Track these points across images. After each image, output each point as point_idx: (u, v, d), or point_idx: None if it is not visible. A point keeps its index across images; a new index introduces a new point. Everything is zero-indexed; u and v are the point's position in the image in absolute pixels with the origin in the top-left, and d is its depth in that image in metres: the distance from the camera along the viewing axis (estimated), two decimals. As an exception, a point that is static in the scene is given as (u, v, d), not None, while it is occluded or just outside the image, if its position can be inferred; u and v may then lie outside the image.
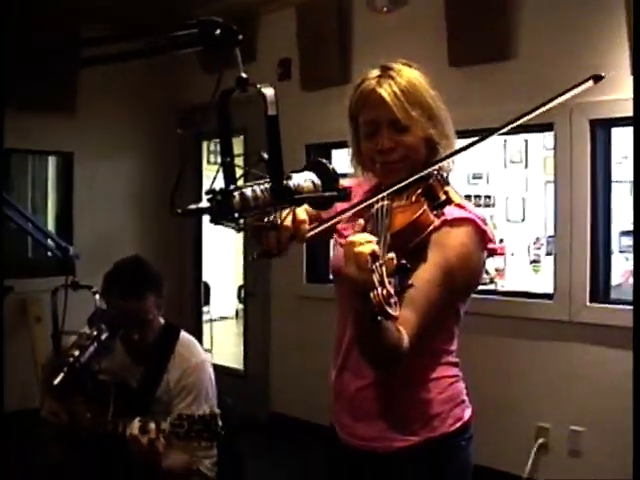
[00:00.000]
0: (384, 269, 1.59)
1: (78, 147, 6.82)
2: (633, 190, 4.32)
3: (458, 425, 2.16)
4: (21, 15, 5.90)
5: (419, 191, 1.99)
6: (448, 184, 2.06)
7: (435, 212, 1.98)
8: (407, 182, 1.93)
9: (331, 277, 2.40)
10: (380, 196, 1.95)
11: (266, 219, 1.75)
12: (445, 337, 2.18)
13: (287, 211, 1.82)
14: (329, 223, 2.01)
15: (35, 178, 7.21)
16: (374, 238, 1.72)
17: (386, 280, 1.57)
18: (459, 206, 2.07)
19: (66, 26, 6.24)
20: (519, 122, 1.91)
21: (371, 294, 1.57)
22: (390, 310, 1.55)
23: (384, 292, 1.56)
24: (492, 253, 2.12)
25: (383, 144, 2.10)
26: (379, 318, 1.58)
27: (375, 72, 2.14)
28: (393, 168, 2.11)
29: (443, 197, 2.00)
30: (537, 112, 1.92)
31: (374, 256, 1.63)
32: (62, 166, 7.02)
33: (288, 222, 1.87)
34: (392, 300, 1.56)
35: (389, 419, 2.14)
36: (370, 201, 1.96)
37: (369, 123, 2.13)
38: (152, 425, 2.75)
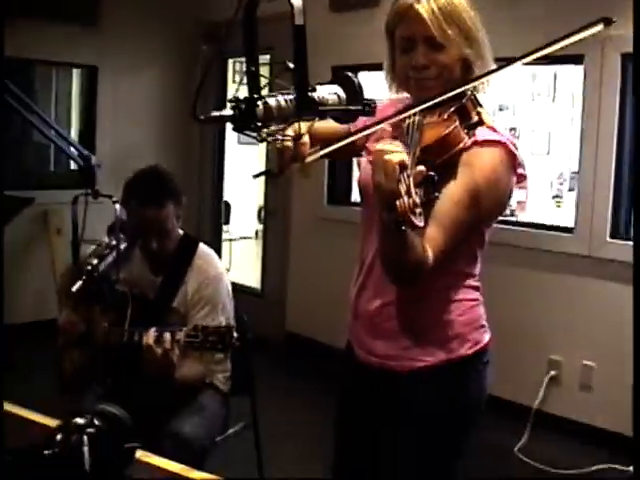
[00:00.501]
0: (411, 179, 1.58)
1: (102, 60, 6.79)
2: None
3: (477, 348, 2.17)
4: None
5: (452, 109, 1.97)
6: (481, 106, 2.03)
7: (467, 132, 1.96)
8: (440, 99, 1.90)
9: (356, 195, 2.40)
10: (412, 111, 1.91)
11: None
12: (469, 260, 2.17)
13: (290, 131, 1.76)
14: (332, 147, 1.97)
15: (59, 91, 7.19)
16: (403, 148, 1.71)
17: (413, 190, 1.56)
18: (491, 128, 2.05)
19: None
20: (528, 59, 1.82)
21: (397, 202, 1.55)
22: (415, 219, 1.54)
23: (410, 201, 1.54)
24: (521, 179, 2.11)
25: (418, 60, 2.07)
26: (403, 227, 1.58)
27: None
28: (427, 85, 2.08)
29: (475, 118, 1.98)
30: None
31: (402, 166, 1.61)
32: (86, 79, 7.00)
33: (289, 142, 1.87)
34: (417, 210, 1.54)
35: (408, 338, 2.15)
36: (399, 116, 1.92)
37: (405, 39, 2.10)
38: (167, 335, 2.78)
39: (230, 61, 7.48)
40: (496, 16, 4.76)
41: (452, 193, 1.92)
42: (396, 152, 1.66)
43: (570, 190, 7.05)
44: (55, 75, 7.15)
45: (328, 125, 1.97)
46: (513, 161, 2.06)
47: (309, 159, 1.95)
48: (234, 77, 7.62)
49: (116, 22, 6.70)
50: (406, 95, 2.24)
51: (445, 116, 1.96)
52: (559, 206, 7.54)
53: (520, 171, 2.10)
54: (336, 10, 5.90)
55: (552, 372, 4.74)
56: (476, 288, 2.22)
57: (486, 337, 2.22)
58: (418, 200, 1.55)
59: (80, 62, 6.85)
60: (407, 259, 1.81)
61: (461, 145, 1.95)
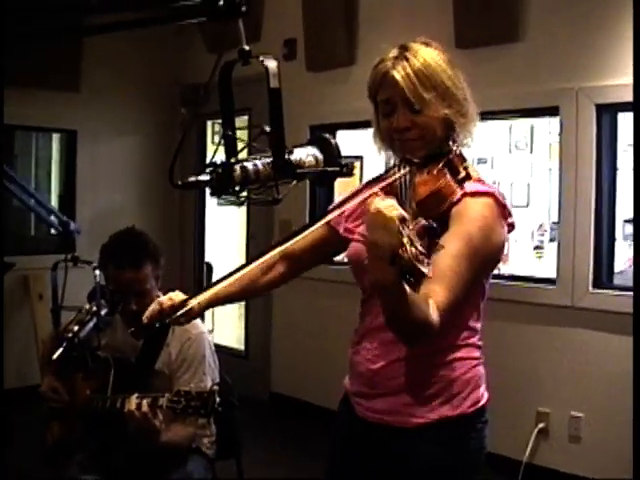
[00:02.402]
0: (412, 232, 1.57)
1: (82, 125, 6.81)
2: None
3: (477, 407, 2.18)
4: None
5: (439, 165, 1.99)
6: (466, 160, 2.06)
7: (457, 186, 1.99)
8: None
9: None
10: (401, 174, 1.95)
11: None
12: (472, 313, 2.17)
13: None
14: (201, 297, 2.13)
15: (39, 156, 7.21)
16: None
17: (415, 240, 1.55)
18: (478, 181, 2.09)
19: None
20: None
21: (400, 252, 1.53)
22: (423, 268, 1.53)
23: (415, 250, 1.53)
24: (510, 229, 2.13)
25: (399, 123, 2.10)
26: (411, 279, 1.56)
27: (393, 52, 2.14)
28: (411, 146, 2.11)
29: (463, 173, 2.01)
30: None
31: (402, 220, 1.59)
32: (66, 144, 7.01)
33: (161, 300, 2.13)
34: (424, 259, 1.53)
35: (410, 395, 2.14)
36: (362, 195, 1.92)
37: (385, 102, 2.14)
38: (148, 401, 2.75)
39: (209, 123, 7.52)
40: (475, 70, 4.88)
41: (448, 247, 1.89)
42: (393, 208, 1.64)
43: (551, 241, 7.06)
44: (35, 139, 7.18)
45: (304, 240, 2.14)
46: (503, 210, 2.08)
47: (180, 312, 2.15)
48: (213, 138, 7.65)
49: (95, 86, 6.73)
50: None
51: (434, 172, 1.98)
52: (540, 257, 7.56)
53: (510, 220, 2.12)
54: (313, 70, 5.95)
55: (540, 424, 4.70)
56: (478, 347, 2.23)
57: (485, 396, 2.23)
58: (422, 249, 1.54)
59: (60, 127, 6.88)
60: (412, 316, 1.78)
61: (454, 197, 1.96)
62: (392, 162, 2.26)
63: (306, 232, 1.96)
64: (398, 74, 2.07)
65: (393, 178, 1.96)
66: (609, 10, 4.34)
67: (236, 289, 2.30)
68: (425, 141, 2.10)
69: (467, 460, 2.20)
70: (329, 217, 2.04)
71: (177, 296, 2.22)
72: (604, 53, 4.34)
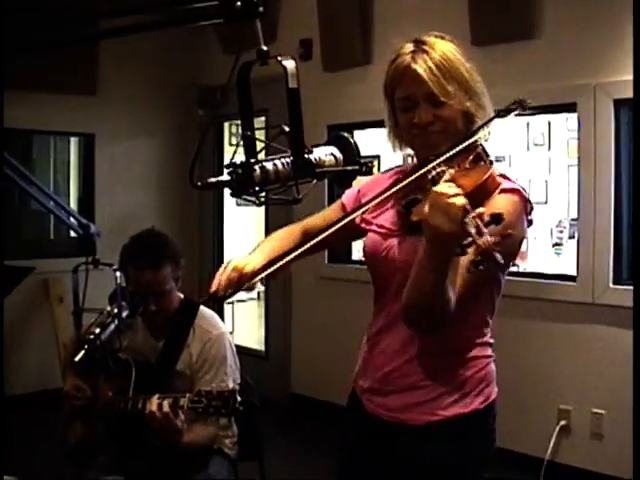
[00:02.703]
0: (479, 220, 1.57)
1: (99, 128, 6.84)
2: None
3: (488, 402, 2.18)
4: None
5: (470, 158, 1.96)
6: (489, 155, 2.03)
7: None
8: (458, 149, 1.91)
9: (355, 254, 2.40)
10: (435, 162, 1.90)
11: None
12: (487, 306, 2.18)
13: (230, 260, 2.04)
14: (276, 266, 2.02)
15: (57, 160, 7.25)
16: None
17: (484, 230, 1.55)
18: (503, 177, 2.07)
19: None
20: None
21: (479, 242, 1.54)
22: (498, 256, 1.53)
23: (490, 239, 1.53)
24: (529, 224, 2.13)
25: (421, 118, 2.08)
26: (480, 267, 1.55)
27: (409, 47, 2.12)
28: (433, 140, 2.09)
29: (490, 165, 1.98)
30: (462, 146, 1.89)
31: (465, 210, 1.60)
32: (84, 147, 7.04)
33: (235, 264, 2.08)
34: (497, 248, 1.53)
35: (424, 393, 2.14)
36: (397, 187, 1.90)
37: (406, 99, 2.12)
38: (171, 402, 2.76)
39: (226, 124, 7.54)
40: (492, 67, 4.87)
41: None
42: (458, 195, 1.65)
43: (570, 238, 7.04)
44: (53, 143, 7.22)
45: (322, 219, 2.22)
46: (527, 207, 2.09)
47: (256, 278, 2.05)
48: (230, 140, 7.67)
49: (112, 90, 6.76)
50: (396, 168, 2.32)
51: (467, 165, 1.93)
52: (559, 254, 7.53)
53: (530, 217, 2.12)
54: (329, 70, 5.95)
55: (562, 422, 4.69)
56: (490, 345, 2.24)
57: (495, 391, 2.23)
58: (493, 238, 1.54)
59: (78, 130, 6.91)
60: (441, 300, 1.82)
61: (499, 189, 1.91)
62: (410, 160, 2.25)
63: (338, 225, 1.94)
64: (420, 67, 2.05)
65: (425, 169, 1.91)
66: (625, 5, 4.32)
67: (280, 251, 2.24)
68: (448, 134, 2.08)
69: (478, 455, 2.21)
70: (359, 212, 2.02)
71: (247, 262, 2.15)
72: (621, 48, 4.32)
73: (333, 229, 1.92)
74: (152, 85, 7.10)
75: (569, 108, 4.78)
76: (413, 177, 1.89)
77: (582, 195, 4.66)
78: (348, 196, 2.42)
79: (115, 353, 2.90)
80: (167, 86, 7.19)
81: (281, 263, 1.98)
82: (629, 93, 4.28)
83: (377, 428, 2.24)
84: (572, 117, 4.90)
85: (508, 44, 4.82)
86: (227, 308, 8.33)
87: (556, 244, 7.66)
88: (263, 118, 6.38)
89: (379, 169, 6.13)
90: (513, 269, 6.70)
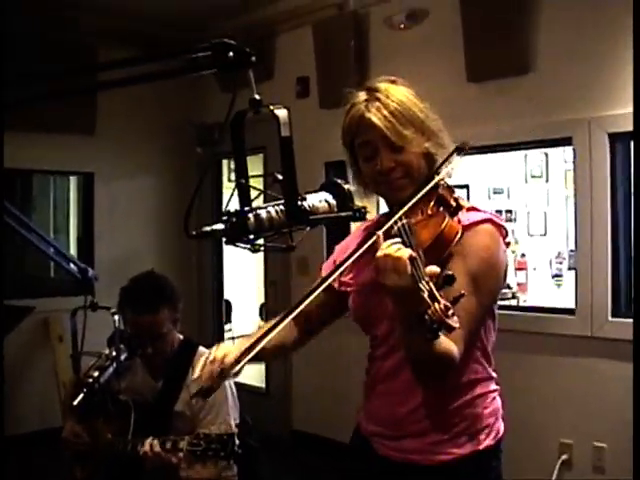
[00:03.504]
0: (432, 284, 1.58)
1: (98, 167, 6.88)
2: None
3: (498, 437, 2.20)
4: (41, 38, 5.99)
5: (432, 203, 1.99)
6: (454, 191, 2.06)
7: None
8: (419, 196, 1.93)
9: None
10: (397, 216, 1.91)
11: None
12: (488, 337, 2.19)
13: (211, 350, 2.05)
14: (256, 350, 1.94)
15: (57, 198, 7.28)
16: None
17: (437, 294, 1.56)
18: (471, 209, 2.10)
19: (84, 50, 6.31)
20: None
21: (429, 311, 1.55)
22: (451, 322, 1.55)
23: (441, 306, 1.55)
24: (506, 246, 2.13)
25: (383, 165, 2.10)
26: (440, 332, 1.58)
27: (362, 95, 2.14)
28: (398, 185, 2.12)
29: (454, 204, 2.00)
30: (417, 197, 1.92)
31: (412, 259, 1.62)
32: (83, 186, 7.07)
33: (215, 355, 2.05)
34: (450, 312, 1.55)
35: (437, 434, 2.14)
36: (363, 248, 1.85)
37: (365, 145, 2.14)
38: (170, 444, 2.76)
39: (224, 161, 7.57)
40: (487, 103, 4.92)
41: (457, 286, 1.91)
42: (400, 249, 1.67)
43: (570, 269, 7.05)
44: (53, 183, 7.26)
45: (316, 304, 2.13)
46: (501, 232, 2.10)
47: (238, 367, 1.99)
48: (229, 177, 7.70)
49: (110, 129, 6.80)
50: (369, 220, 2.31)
51: (429, 212, 1.97)
52: (559, 285, 7.55)
53: (507, 239, 2.14)
54: (326, 107, 5.98)
55: (564, 456, 4.67)
56: (494, 379, 2.25)
57: (502, 425, 2.25)
58: (446, 302, 1.55)
59: (77, 170, 6.95)
60: (438, 353, 1.81)
61: (457, 236, 1.94)
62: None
63: (308, 299, 1.93)
64: (375, 116, 2.07)
65: (388, 225, 1.90)
66: (618, 40, 4.36)
67: (269, 348, 2.17)
68: (411, 179, 2.10)
69: None
70: (328, 281, 1.95)
71: (228, 352, 2.10)
72: (615, 83, 4.35)
73: (302, 305, 1.90)
74: (150, 124, 7.14)
75: (565, 142, 4.81)
76: (364, 248, 1.84)
77: (579, 228, 4.68)
78: (325, 268, 2.41)
79: (114, 395, 2.91)
80: (165, 124, 7.23)
81: (261, 345, 1.91)
82: (624, 127, 4.31)
83: (387, 468, 2.23)
84: (569, 149, 4.93)
85: (503, 80, 4.86)
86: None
87: (556, 275, 7.68)
88: (261, 155, 6.43)
89: (377, 206, 6.15)
90: (512, 302, 6.72)
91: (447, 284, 1.59)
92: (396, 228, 1.90)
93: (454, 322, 1.55)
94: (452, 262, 1.96)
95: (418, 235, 1.88)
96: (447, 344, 1.83)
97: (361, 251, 1.83)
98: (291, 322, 2.36)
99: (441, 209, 1.97)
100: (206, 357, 2.10)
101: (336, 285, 2.31)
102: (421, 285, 1.58)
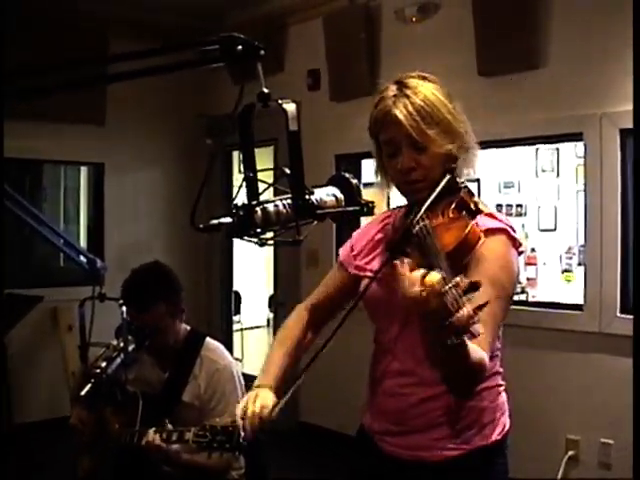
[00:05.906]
0: (455, 291, 1.52)
1: (109, 158, 6.91)
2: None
3: (504, 432, 2.21)
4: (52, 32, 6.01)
5: (453, 206, 1.96)
6: (474, 195, 2.04)
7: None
8: (433, 196, 1.91)
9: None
10: (418, 216, 1.85)
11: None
12: (496, 339, 2.15)
13: (247, 399, 2.17)
14: (289, 394, 2.11)
15: (68, 188, 7.30)
16: (424, 261, 1.65)
17: (460, 301, 1.51)
18: (489, 215, 2.08)
19: (95, 42, 6.32)
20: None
21: (453, 319, 1.51)
22: (474, 329, 1.52)
23: (465, 314, 1.51)
24: (519, 254, 2.14)
25: (403, 164, 2.09)
26: (464, 337, 1.55)
27: (392, 89, 2.12)
28: (416, 187, 2.10)
29: (474, 208, 1.97)
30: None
31: (442, 283, 1.54)
32: (93, 176, 7.10)
33: (253, 409, 2.14)
34: (474, 320, 1.52)
35: (442, 429, 2.15)
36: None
37: (389, 142, 2.13)
38: (176, 435, 2.77)
39: (235, 153, 7.56)
40: (498, 97, 4.90)
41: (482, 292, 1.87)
42: (429, 275, 1.57)
43: (580, 265, 7.03)
44: (64, 173, 7.30)
45: (325, 288, 2.40)
46: (515, 244, 2.09)
47: (274, 413, 2.13)
48: (239, 168, 7.70)
49: (121, 120, 6.82)
50: (386, 211, 2.36)
51: (450, 214, 1.93)
52: (569, 280, 7.53)
53: (520, 249, 2.14)
54: (337, 100, 5.97)
55: (570, 452, 4.67)
56: (500, 374, 2.25)
57: (508, 420, 2.25)
58: (470, 309, 1.51)
59: (87, 160, 6.98)
60: (472, 363, 1.75)
61: (480, 242, 1.91)
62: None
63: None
64: (401, 113, 2.05)
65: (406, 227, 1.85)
66: (629, 36, 4.34)
67: (292, 358, 2.50)
68: (429, 181, 2.07)
69: None
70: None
71: (266, 398, 2.23)
72: (626, 78, 4.33)
73: (332, 337, 2.08)
74: (160, 115, 7.16)
75: (576, 137, 4.80)
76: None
77: (589, 224, 4.67)
78: (344, 254, 2.42)
79: (122, 386, 2.91)
80: (175, 116, 7.24)
81: (292, 389, 2.11)
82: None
83: (394, 466, 2.23)
84: (580, 144, 4.92)
85: (515, 74, 4.85)
86: (237, 335, 8.35)
87: (566, 270, 7.66)
88: (272, 147, 6.43)
89: (388, 200, 6.14)
90: (522, 297, 6.71)
91: (472, 291, 1.55)
92: (417, 228, 1.85)
93: (478, 328, 1.53)
94: (471, 267, 1.94)
95: (440, 238, 1.82)
96: (478, 352, 1.79)
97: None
98: (306, 315, 2.54)
99: (463, 213, 1.95)
100: (245, 406, 2.19)
101: (352, 270, 2.34)
102: (446, 293, 1.54)
